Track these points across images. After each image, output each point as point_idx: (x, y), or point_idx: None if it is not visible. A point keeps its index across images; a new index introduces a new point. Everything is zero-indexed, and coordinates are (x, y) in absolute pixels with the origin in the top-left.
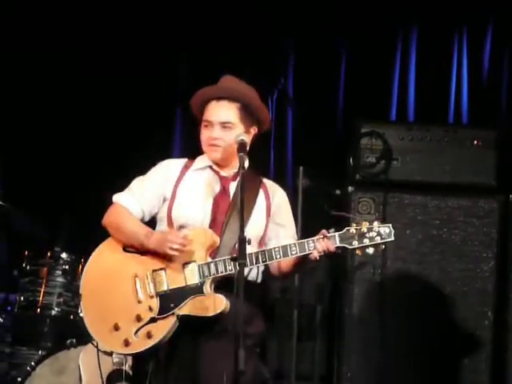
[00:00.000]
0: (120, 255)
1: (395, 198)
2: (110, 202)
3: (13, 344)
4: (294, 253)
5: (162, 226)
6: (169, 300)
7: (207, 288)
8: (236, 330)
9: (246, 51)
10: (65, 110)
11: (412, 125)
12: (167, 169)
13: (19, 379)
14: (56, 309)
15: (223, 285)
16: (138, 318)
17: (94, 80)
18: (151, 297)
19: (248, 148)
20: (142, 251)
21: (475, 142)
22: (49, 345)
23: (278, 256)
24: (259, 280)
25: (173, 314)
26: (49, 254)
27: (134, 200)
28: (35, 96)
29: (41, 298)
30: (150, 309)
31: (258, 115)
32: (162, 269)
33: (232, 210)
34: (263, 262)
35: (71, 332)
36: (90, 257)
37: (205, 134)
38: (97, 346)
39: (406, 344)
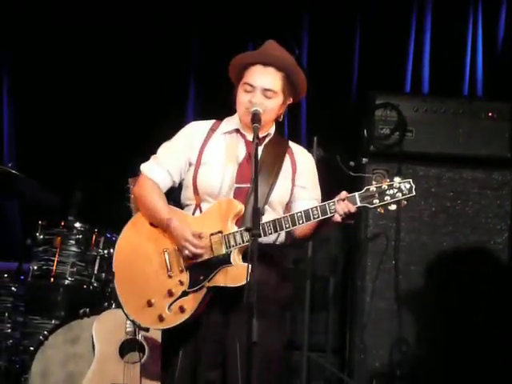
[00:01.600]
0: (149, 229)
1: (409, 169)
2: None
3: (26, 313)
4: (316, 216)
5: (187, 192)
6: (198, 272)
7: (234, 258)
8: (251, 300)
9: (259, 23)
10: (79, 83)
11: (426, 97)
12: (192, 133)
13: (32, 348)
14: (69, 278)
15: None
16: (170, 293)
17: (106, 54)
18: (181, 271)
19: (280, 119)
20: None
21: (490, 114)
22: (62, 314)
23: (301, 221)
24: (280, 241)
25: (203, 286)
26: (62, 223)
27: (162, 170)
28: (51, 71)
29: (54, 268)
30: (181, 283)
31: (299, 87)
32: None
33: (256, 176)
34: (287, 228)
35: (84, 301)
36: (121, 233)
37: (244, 97)
38: (132, 322)
39: (419, 316)
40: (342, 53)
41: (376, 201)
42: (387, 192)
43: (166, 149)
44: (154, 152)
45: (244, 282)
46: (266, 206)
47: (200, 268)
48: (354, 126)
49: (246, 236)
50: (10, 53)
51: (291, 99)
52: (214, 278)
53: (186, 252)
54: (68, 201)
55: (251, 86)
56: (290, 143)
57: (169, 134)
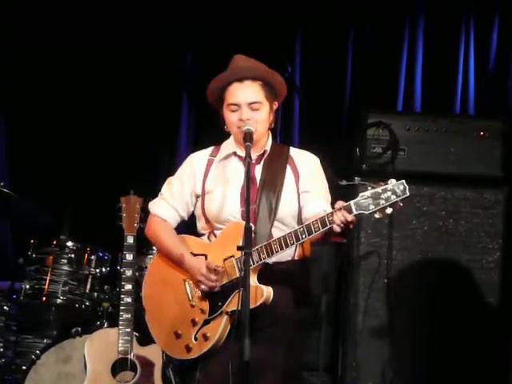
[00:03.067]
0: (170, 262)
1: None
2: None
3: (18, 332)
4: (317, 230)
5: (200, 222)
6: (216, 299)
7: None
8: (242, 320)
9: (252, 39)
10: (71, 101)
11: (418, 115)
12: (193, 165)
13: (24, 367)
14: (61, 297)
15: (266, 273)
16: (194, 322)
17: (99, 69)
18: (201, 299)
19: (273, 125)
20: None
21: (481, 132)
22: (54, 333)
23: (304, 236)
24: (296, 257)
25: (221, 311)
26: (54, 242)
27: (169, 207)
28: (43, 90)
29: (46, 287)
30: (202, 311)
31: (278, 89)
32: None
33: (260, 195)
34: (291, 244)
35: (76, 321)
36: (147, 269)
37: (233, 117)
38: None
39: (412, 334)
40: (334, 71)
41: (372, 206)
42: (382, 196)
43: (170, 185)
44: (146, 171)
45: (256, 304)
46: (277, 223)
47: (218, 294)
48: (346, 144)
49: (256, 257)
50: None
51: (276, 104)
52: (232, 302)
53: (202, 287)
54: (60, 219)
55: (235, 104)
56: (291, 150)
57: (161, 151)
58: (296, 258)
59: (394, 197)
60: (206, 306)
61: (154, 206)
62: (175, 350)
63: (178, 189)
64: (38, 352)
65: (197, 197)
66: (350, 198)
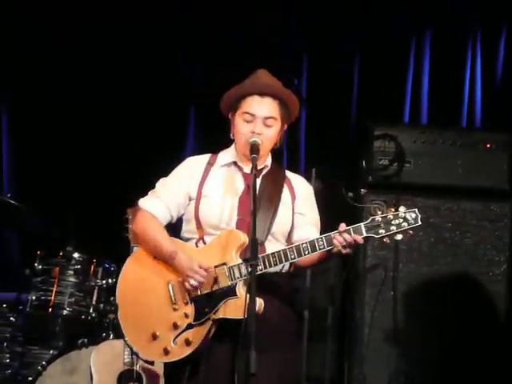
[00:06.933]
0: (152, 263)
1: (408, 200)
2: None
3: (24, 343)
4: (321, 247)
5: (189, 226)
6: (203, 305)
7: (240, 289)
8: (248, 331)
9: (259, 53)
10: (77, 115)
11: (425, 128)
12: (190, 167)
13: (30, 378)
14: (68, 308)
15: (257, 284)
16: (175, 326)
17: (104, 81)
18: (186, 303)
19: (279, 144)
20: None
21: (488, 145)
22: (60, 344)
23: (307, 252)
24: (285, 269)
25: (208, 318)
26: (61, 253)
27: (160, 203)
28: (49, 104)
29: (53, 298)
30: (186, 315)
31: (292, 111)
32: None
33: (258, 208)
34: (292, 259)
35: (83, 332)
36: (123, 266)
37: (245, 128)
38: (136, 354)
39: (418, 347)
40: (340, 84)
41: (382, 231)
42: (393, 222)
43: (164, 184)
44: (153, 182)
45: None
46: (270, 237)
47: (205, 300)
48: (353, 157)
49: (255, 266)
50: (9, 92)
51: (285, 125)
52: (220, 310)
53: (192, 281)
54: (65, 231)
55: (252, 115)
56: (287, 172)
57: (167, 163)
58: (283, 271)
59: (405, 224)
60: (190, 310)
61: (146, 201)
62: (151, 351)
63: (172, 188)
64: (44, 363)
65: (190, 199)
66: (353, 220)
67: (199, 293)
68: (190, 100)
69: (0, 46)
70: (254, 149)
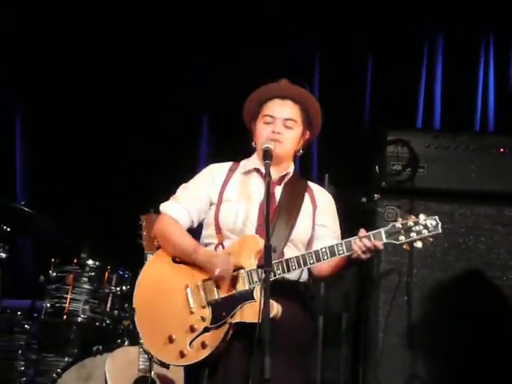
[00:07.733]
0: (170, 266)
1: (421, 205)
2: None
3: (39, 351)
4: (341, 252)
5: (209, 231)
6: (220, 308)
7: (257, 294)
8: (263, 337)
9: (271, 58)
10: (91, 121)
11: (438, 132)
12: (212, 173)
13: None
14: (82, 316)
15: (275, 290)
16: (192, 329)
17: (118, 86)
18: (203, 307)
19: (300, 152)
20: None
21: (501, 149)
22: (75, 352)
23: (326, 257)
24: (304, 278)
25: (225, 322)
26: (75, 260)
27: (181, 208)
28: (63, 109)
29: (67, 305)
30: (203, 319)
31: (314, 121)
32: (211, 278)
33: (278, 214)
34: (311, 263)
35: (97, 339)
36: (142, 269)
37: (266, 129)
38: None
39: (433, 352)
40: (353, 89)
41: (402, 237)
42: (413, 229)
43: (185, 189)
44: (166, 190)
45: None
46: (289, 243)
47: (222, 304)
48: (366, 162)
49: (269, 272)
50: (21, 93)
51: (308, 133)
52: (237, 314)
53: (217, 271)
54: (79, 238)
55: (272, 117)
56: (309, 182)
57: (180, 171)
58: (301, 280)
59: (425, 231)
60: (207, 314)
61: (167, 206)
62: (167, 354)
63: (194, 193)
64: (59, 370)
65: (211, 204)
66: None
67: (216, 296)
68: (203, 107)
69: (15, 47)
70: (267, 155)
